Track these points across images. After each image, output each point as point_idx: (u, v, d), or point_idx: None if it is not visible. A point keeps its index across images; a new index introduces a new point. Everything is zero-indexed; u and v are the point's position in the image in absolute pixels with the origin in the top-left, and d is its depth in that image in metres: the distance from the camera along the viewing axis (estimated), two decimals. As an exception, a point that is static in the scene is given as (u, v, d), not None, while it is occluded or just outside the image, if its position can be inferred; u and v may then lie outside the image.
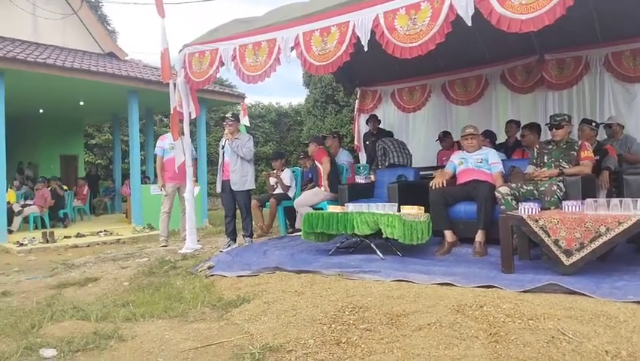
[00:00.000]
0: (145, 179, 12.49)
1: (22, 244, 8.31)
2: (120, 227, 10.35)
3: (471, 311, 2.90)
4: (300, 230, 5.95)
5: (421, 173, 6.39)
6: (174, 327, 3.14)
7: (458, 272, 3.80)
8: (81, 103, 12.49)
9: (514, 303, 2.94)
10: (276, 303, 3.43)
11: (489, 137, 6.33)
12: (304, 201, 6.24)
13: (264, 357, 2.56)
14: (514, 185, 4.46)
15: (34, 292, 4.48)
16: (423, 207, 4.65)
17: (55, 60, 9.44)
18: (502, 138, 6.86)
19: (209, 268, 4.76)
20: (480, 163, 4.94)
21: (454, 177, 5.10)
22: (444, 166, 5.44)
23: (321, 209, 5.68)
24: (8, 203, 9.48)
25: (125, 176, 13.71)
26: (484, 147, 5.20)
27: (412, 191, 5.35)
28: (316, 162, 6.49)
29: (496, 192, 4.43)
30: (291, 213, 6.98)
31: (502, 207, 4.30)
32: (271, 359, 2.54)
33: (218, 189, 6.17)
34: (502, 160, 5.07)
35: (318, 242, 4.99)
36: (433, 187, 4.86)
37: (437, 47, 4.18)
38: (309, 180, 7.07)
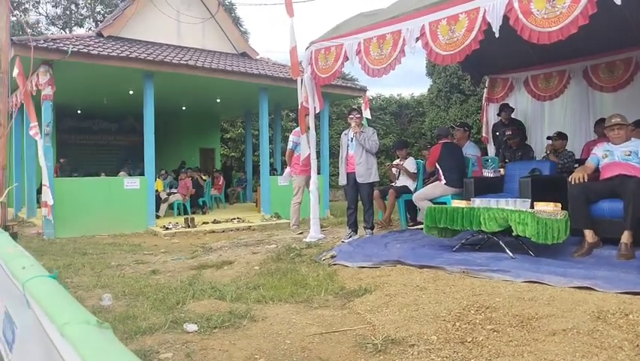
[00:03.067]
0: (273, 171, 13.20)
1: (167, 228, 9.31)
2: (251, 215, 11.11)
3: (614, 319, 2.63)
4: (421, 224, 5.86)
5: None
6: (300, 312, 3.30)
7: (599, 276, 3.45)
8: (218, 100, 13.58)
9: (670, 315, 2.61)
10: (398, 296, 3.43)
11: (640, 127, 5.61)
12: (423, 194, 6.12)
13: (386, 349, 2.58)
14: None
15: (178, 271, 5.01)
16: (560, 204, 4.28)
17: (196, 61, 10.35)
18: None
19: (332, 257, 4.91)
20: (628, 156, 4.42)
21: (596, 171, 4.63)
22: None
23: (444, 203, 5.53)
24: (156, 191, 10.67)
25: (256, 168, 14.62)
26: (633, 139, 4.63)
27: (548, 186, 4.95)
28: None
29: (647, 189, 3.93)
30: (411, 206, 6.89)
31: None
32: (393, 351, 2.55)
33: (342, 182, 6.30)
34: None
35: (441, 237, 4.87)
36: (573, 182, 4.46)
37: (579, 29, 3.81)
38: (430, 174, 6.91)
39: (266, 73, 11.43)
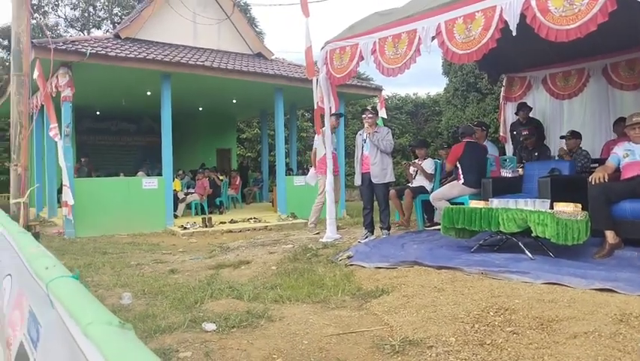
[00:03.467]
0: (289, 171, 13.23)
1: (185, 228, 9.40)
2: (267, 215, 11.15)
3: (637, 322, 2.58)
4: (438, 224, 5.81)
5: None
6: (317, 312, 3.30)
7: (622, 278, 3.38)
8: (234, 101, 13.65)
9: (696, 318, 2.54)
10: (415, 297, 3.41)
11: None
12: (441, 194, 6.07)
13: (403, 350, 2.57)
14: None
15: (197, 271, 5.05)
16: (580, 205, 4.21)
17: (212, 62, 10.43)
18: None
19: (349, 257, 4.90)
20: (651, 155, 4.33)
21: (617, 171, 4.54)
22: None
23: (461, 203, 5.48)
24: (174, 191, 10.78)
25: (272, 167, 14.67)
26: (656, 138, 4.53)
27: (567, 186, 4.87)
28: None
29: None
30: (428, 207, 6.84)
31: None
32: (411, 352, 2.54)
33: (357, 182, 6.29)
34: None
35: (459, 238, 4.83)
36: (593, 182, 4.38)
37: (598, 26, 3.75)
38: (448, 174, 6.85)
39: (281, 73, 11.47)
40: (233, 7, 12.76)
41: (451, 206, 4.95)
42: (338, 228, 6.83)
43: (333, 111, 6.79)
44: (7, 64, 22.39)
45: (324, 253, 5.40)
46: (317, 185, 7.59)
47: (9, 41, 22.97)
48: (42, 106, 9.62)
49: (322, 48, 6.45)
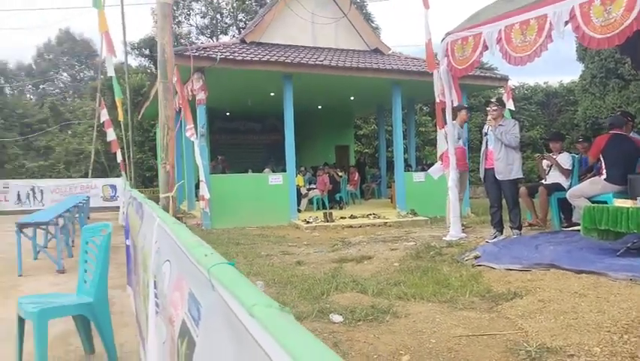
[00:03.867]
0: (407, 167, 13.06)
1: (308, 222, 9.74)
2: (386, 211, 11.12)
3: None
4: (576, 224, 5.32)
5: None
6: (444, 312, 3.22)
7: None
8: (352, 98, 13.81)
9: None
10: (553, 302, 3.16)
11: None
12: (579, 191, 5.51)
13: (541, 357, 2.40)
14: None
15: (321, 263, 5.21)
16: None
17: (331, 61, 10.66)
18: None
19: (476, 257, 4.70)
20: None
21: None
22: None
23: (603, 202, 4.94)
24: (297, 186, 11.22)
25: (390, 163, 14.59)
26: None
27: None
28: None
29: None
30: (565, 205, 6.27)
31: None
32: (549, 360, 2.37)
33: (483, 178, 5.99)
34: None
35: (602, 240, 4.36)
36: None
37: None
38: (587, 170, 6.22)
39: (398, 67, 11.35)
40: (350, 5, 12.90)
41: (593, 205, 4.49)
42: (463, 226, 6.57)
43: (454, 104, 6.53)
44: (149, 71, 25.14)
45: (448, 251, 5.24)
46: (442, 180, 7.30)
47: (150, 50, 25.94)
48: (180, 108, 10.61)
49: (443, 40, 6.26)
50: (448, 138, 6.49)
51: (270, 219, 10.02)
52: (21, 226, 5.74)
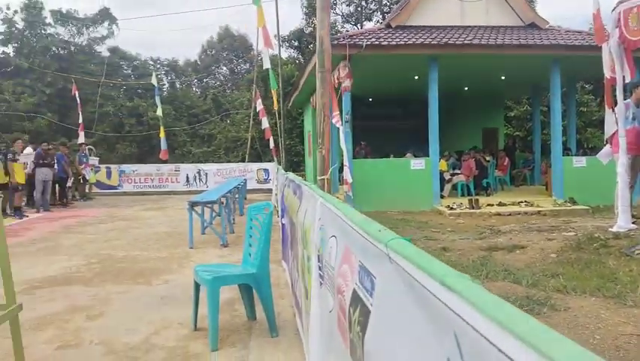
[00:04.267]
0: (566, 151, 11.95)
1: (452, 208, 9.51)
2: (540, 199, 10.35)
3: None
4: None
5: None
6: (610, 308, 2.98)
7: None
8: (502, 78, 13.00)
9: None
10: None
11: None
12: None
13: None
14: None
15: (468, 251, 5.09)
16: None
17: (481, 39, 10.14)
18: None
19: (649, 252, 4.19)
20: None
21: None
22: None
23: None
24: (440, 171, 10.99)
25: (544, 147, 13.47)
26: None
27: None
28: None
29: None
30: None
31: None
32: None
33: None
34: None
35: None
36: None
37: None
38: None
39: (558, 42, 10.39)
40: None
41: None
42: (633, 217, 5.86)
43: (627, 81, 5.81)
44: (298, 62, 26.47)
45: (615, 244, 4.74)
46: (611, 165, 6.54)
47: (298, 42, 27.23)
48: (327, 96, 11.05)
49: (614, 9, 5.62)
50: (619, 119, 5.81)
51: (412, 204, 10.00)
52: (192, 205, 6.57)
